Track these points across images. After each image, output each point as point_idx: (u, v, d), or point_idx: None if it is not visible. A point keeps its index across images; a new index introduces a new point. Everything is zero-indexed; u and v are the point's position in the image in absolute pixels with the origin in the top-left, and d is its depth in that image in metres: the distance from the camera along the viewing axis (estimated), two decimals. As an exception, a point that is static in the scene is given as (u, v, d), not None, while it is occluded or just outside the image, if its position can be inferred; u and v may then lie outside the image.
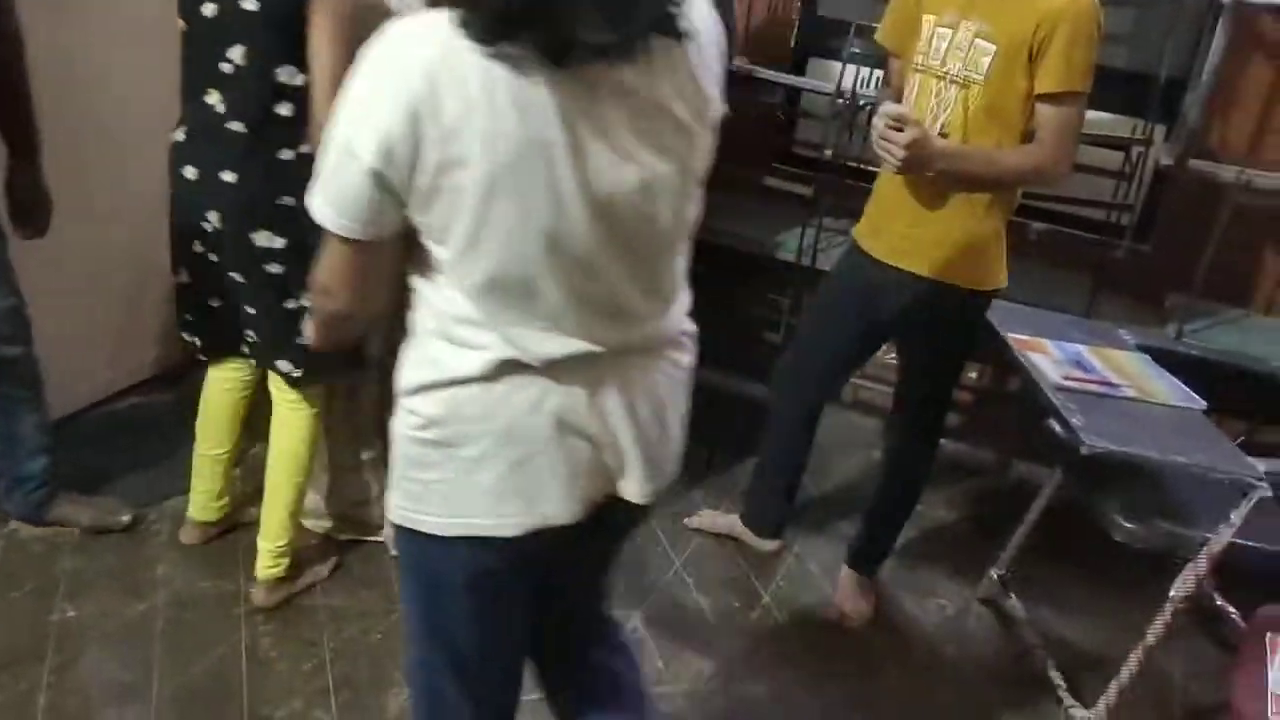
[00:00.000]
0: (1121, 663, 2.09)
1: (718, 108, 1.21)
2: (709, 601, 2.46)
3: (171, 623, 2.16)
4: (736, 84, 2.98)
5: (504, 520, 1.22)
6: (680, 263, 1.30)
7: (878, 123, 1.94)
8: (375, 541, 2.45)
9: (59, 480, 2.33)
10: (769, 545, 2.63)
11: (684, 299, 1.36)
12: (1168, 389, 2.03)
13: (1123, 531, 2.02)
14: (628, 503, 1.31)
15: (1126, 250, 2.74)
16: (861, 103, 2.82)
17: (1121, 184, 2.71)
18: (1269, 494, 1.83)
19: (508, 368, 1.17)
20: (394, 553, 2.43)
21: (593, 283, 1.16)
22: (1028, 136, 1.98)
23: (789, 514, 2.61)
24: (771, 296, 3.29)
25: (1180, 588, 1.97)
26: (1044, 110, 1.93)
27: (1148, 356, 2.19)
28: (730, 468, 2.95)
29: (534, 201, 1.08)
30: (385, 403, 2.29)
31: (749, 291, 3.34)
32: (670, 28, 1.10)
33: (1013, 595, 2.54)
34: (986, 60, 1.93)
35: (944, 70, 1.99)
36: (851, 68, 2.77)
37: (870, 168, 2.82)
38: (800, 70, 3.15)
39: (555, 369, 1.18)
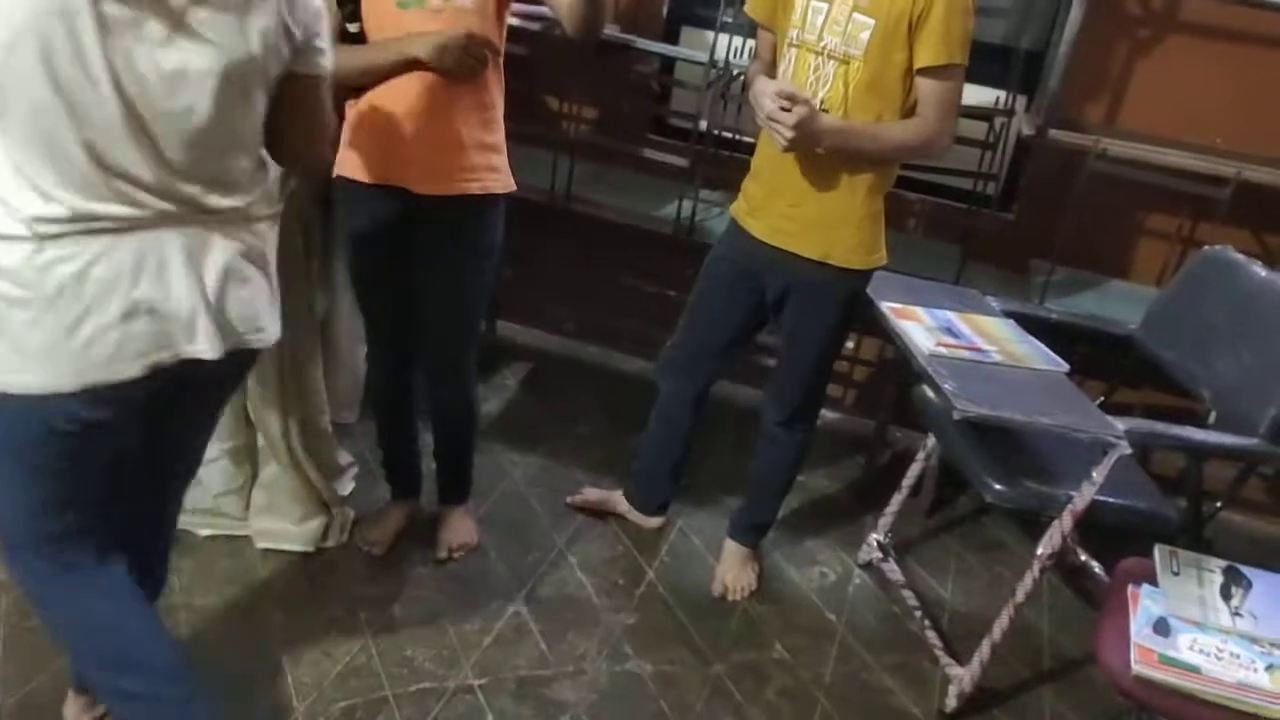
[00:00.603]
0: (994, 620, 2.14)
1: (308, 18, 1.39)
2: (593, 581, 2.43)
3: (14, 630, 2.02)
4: (610, 53, 2.97)
5: (59, 380, 1.32)
6: (243, 162, 1.43)
7: (765, 101, 1.92)
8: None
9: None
10: (653, 522, 2.61)
11: (260, 186, 1.48)
12: (1033, 353, 2.08)
13: (993, 493, 2.06)
14: (211, 361, 1.43)
15: (991, 218, 2.81)
16: (735, 73, 2.80)
17: (986, 154, 2.77)
18: (1128, 452, 1.89)
19: (53, 229, 1.27)
20: (261, 546, 2.33)
21: (126, 154, 1.28)
22: (907, 110, 1.98)
23: (673, 489, 2.59)
24: (649, 269, 3.26)
25: (1046, 545, 2.02)
26: (925, 84, 1.94)
27: (1013, 322, 2.24)
28: (611, 443, 2.92)
29: (56, 69, 1.20)
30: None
31: (627, 264, 3.31)
32: None
33: (891, 559, 2.59)
34: (865, 35, 1.92)
35: (821, 45, 1.97)
36: (725, 37, 2.75)
37: (744, 138, 2.83)
38: (674, 39, 3.12)
39: (102, 233, 1.30)
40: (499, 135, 2.07)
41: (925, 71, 1.93)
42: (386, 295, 2.17)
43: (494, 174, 2.06)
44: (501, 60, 2.04)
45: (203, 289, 1.40)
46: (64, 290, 1.29)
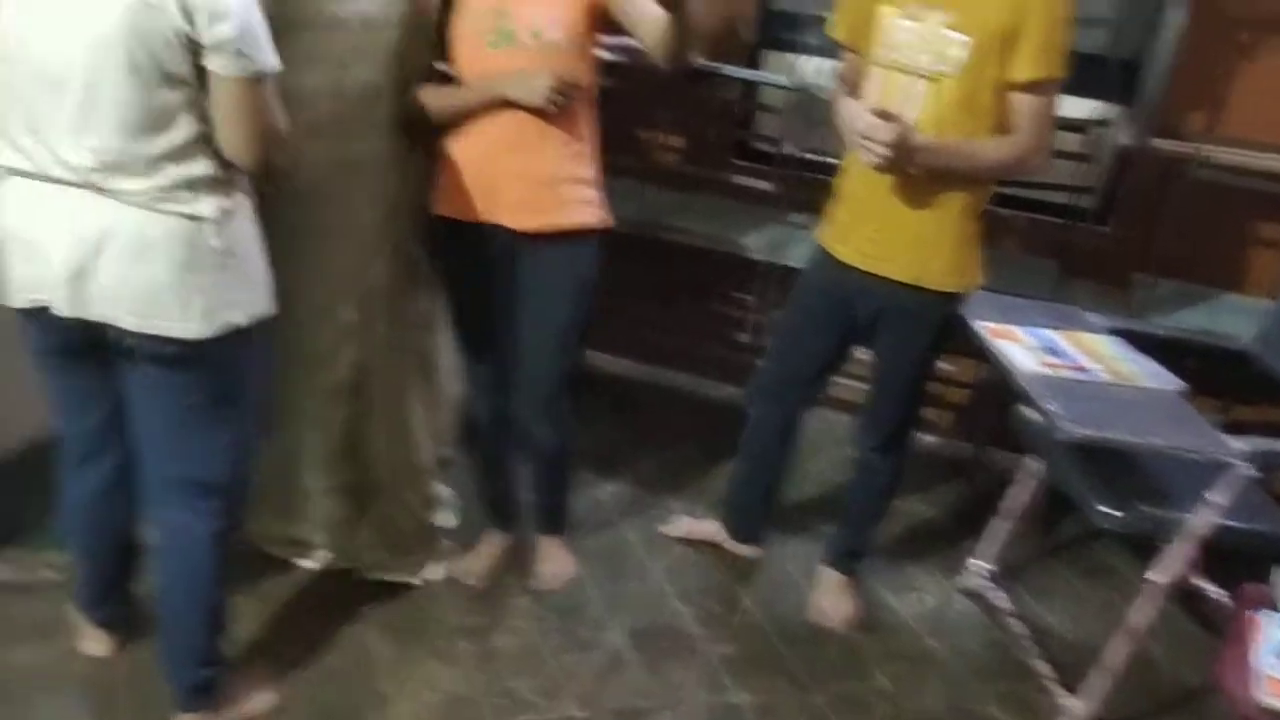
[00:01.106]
0: (1107, 649, 2.07)
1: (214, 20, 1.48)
2: (690, 610, 2.41)
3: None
4: (694, 80, 2.98)
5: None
6: (150, 144, 1.54)
7: (856, 122, 1.90)
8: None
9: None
10: (748, 550, 2.59)
11: (165, 164, 1.56)
12: (1142, 371, 2.01)
13: (1103, 517, 2.00)
14: (114, 330, 1.62)
15: (1089, 233, 2.73)
16: (819, 95, 2.79)
17: (1082, 166, 2.70)
18: (1248, 473, 1.81)
19: None
20: (364, 577, 2.36)
21: (30, 116, 1.53)
22: (1001, 125, 1.94)
23: (768, 517, 2.57)
24: (737, 295, 3.25)
25: (1162, 570, 1.95)
26: (1022, 99, 1.90)
27: (1119, 339, 2.17)
28: (704, 470, 2.91)
29: None
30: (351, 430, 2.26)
31: (715, 290, 3.30)
32: None
33: (995, 585, 2.52)
34: (957, 52, 1.88)
35: (910, 64, 1.94)
36: (808, 60, 2.74)
37: (830, 160, 2.81)
38: (756, 64, 3.12)
39: (14, 180, 1.59)
40: (592, 169, 2.09)
41: (1022, 86, 1.89)
42: (484, 330, 2.20)
43: (588, 207, 2.08)
44: (592, 94, 2.06)
45: (66, 250, 1.58)
46: None
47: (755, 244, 2.89)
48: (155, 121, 1.53)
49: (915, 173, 1.94)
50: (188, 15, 1.47)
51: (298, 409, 2.22)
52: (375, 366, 2.21)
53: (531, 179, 2.01)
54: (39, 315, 1.64)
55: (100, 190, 1.55)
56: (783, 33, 3.04)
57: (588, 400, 3.24)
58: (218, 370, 1.72)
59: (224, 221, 1.62)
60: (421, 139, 2.08)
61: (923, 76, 1.94)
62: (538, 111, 1.94)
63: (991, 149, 1.94)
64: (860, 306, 2.13)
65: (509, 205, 2.02)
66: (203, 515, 1.80)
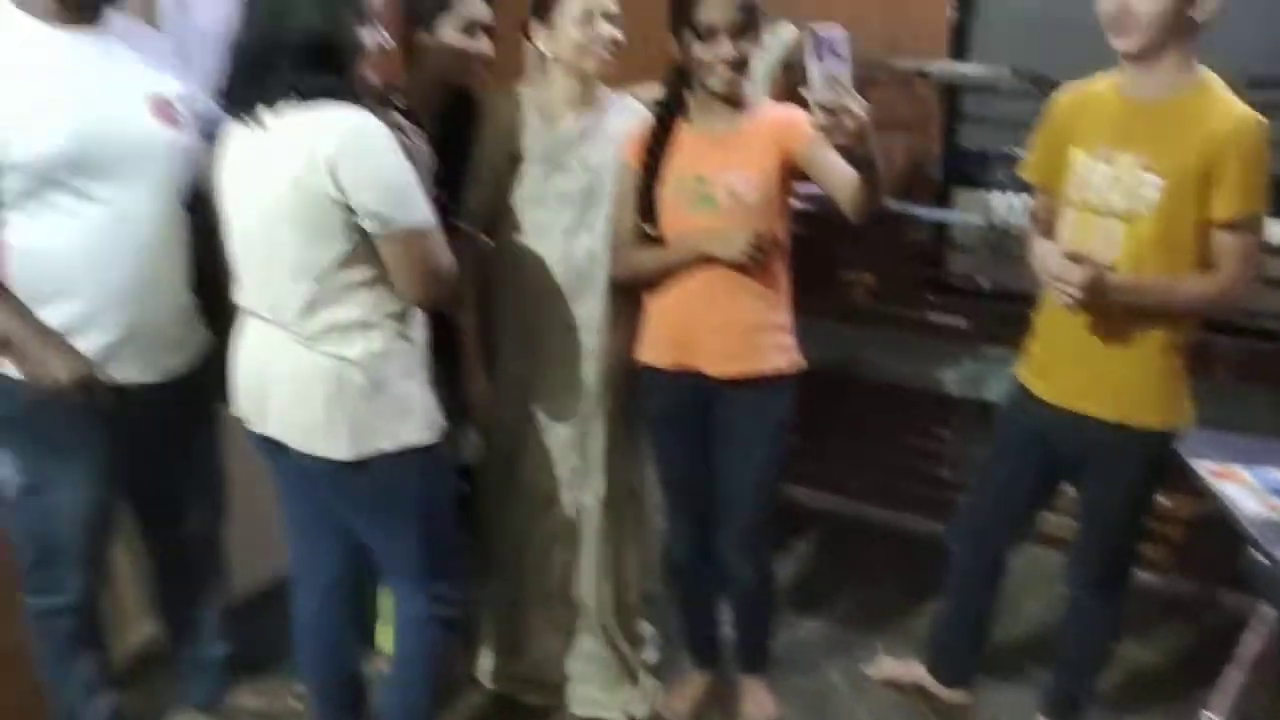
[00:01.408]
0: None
1: (366, 192, 1.69)
2: (897, 756, 2.36)
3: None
4: (884, 220, 3.05)
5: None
6: (299, 290, 1.74)
7: (1050, 263, 1.92)
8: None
9: (235, 665, 2.35)
10: (956, 695, 2.51)
11: (323, 320, 1.77)
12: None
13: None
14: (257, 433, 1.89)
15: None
16: (1011, 231, 2.80)
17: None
18: None
19: None
20: (575, 712, 2.44)
21: (239, 264, 1.81)
22: (1202, 261, 1.91)
23: (976, 661, 2.49)
24: (936, 430, 3.23)
25: None
26: (1223, 237, 1.88)
27: (1355, 477, 2.03)
28: (907, 609, 2.86)
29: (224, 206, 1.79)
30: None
31: (913, 426, 3.29)
32: None
33: (1234, 742, 2.33)
34: (1151, 193, 1.88)
35: (1104, 204, 1.95)
36: (1001, 195, 2.77)
37: (1027, 293, 2.79)
38: (946, 202, 3.17)
39: (241, 316, 1.87)
40: (785, 315, 2.18)
41: (1222, 224, 1.87)
42: (685, 470, 2.30)
43: (782, 353, 2.17)
44: (785, 244, 2.17)
45: (255, 377, 1.84)
46: None
47: (952, 379, 2.89)
48: (316, 273, 1.73)
49: (1101, 312, 1.93)
50: (339, 186, 1.65)
51: (522, 550, 2.39)
52: (593, 508, 2.35)
53: (729, 329, 2.12)
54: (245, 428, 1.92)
55: (280, 329, 1.79)
56: (973, 170, 3.08)
57: (789, 537, 3.27)
58: (381, 488, 1.87)
59: (371, 362, 1.78)
60: (629, 295, 2.25)
61: (1117, 217, 1.94)
62: (736, 265, 2.06)
63: (1192, 286, 1.91)
64: (1063, 444, 2.10)
65: (708, 354, 2.14)
66: (414, 602, 2.00)
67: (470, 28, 2.16)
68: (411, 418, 1.85)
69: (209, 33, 2.26)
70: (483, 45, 2.18)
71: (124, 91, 1.79)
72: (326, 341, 1.78)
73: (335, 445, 1.80)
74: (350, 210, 1.68)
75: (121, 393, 1.85)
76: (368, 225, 1.70)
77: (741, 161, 2.07)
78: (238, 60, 1.73)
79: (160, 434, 1.98)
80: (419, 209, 1.73)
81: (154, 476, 2.05)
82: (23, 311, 1.77)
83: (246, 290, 1.83)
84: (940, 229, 3.20)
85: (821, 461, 3.45)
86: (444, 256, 1.79)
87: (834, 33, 1.71)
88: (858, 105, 1.69)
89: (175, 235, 1.88)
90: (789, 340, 2.19)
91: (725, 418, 2.20)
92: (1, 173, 1.69)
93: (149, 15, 2.22)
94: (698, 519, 2.34)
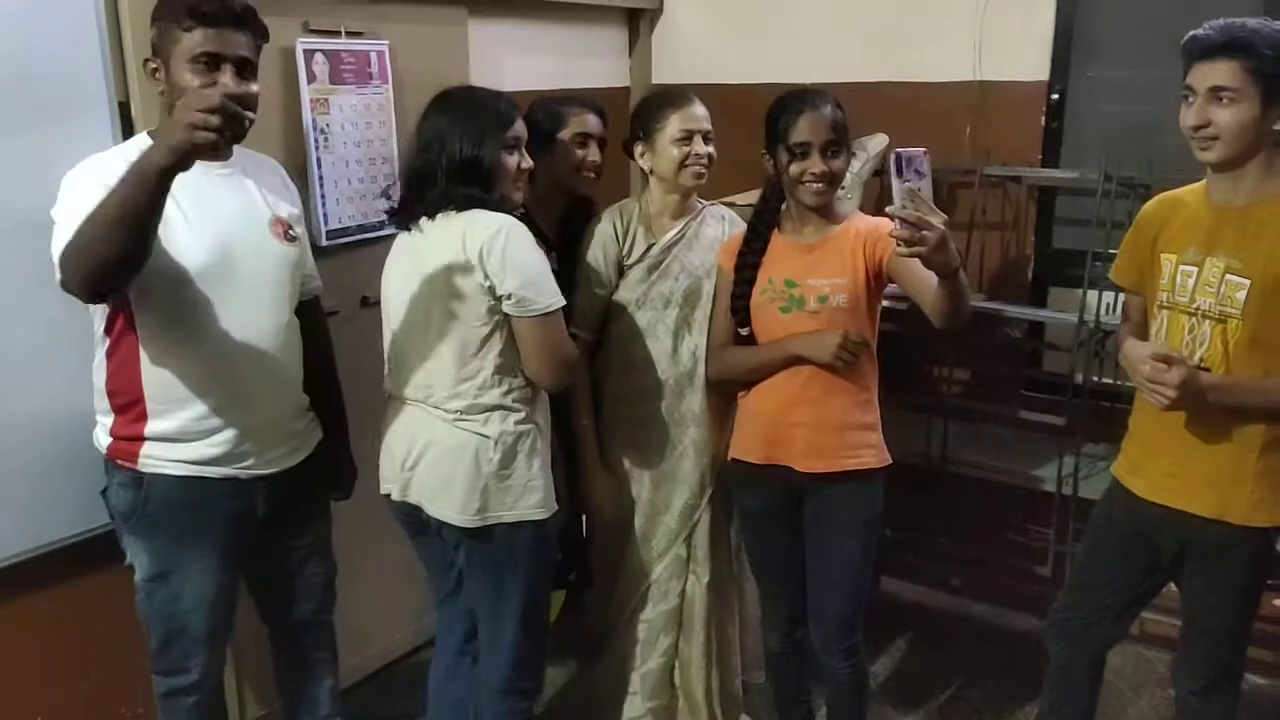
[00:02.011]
0: None
1: (512, 278, 1.95)
2: None
3: None
4: (978, 320, 3.11)
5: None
6: (447, 372, 2.01)
7: (1141, 366, 1.95)
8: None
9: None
10: (1058, 796, 2.47)
11: (466, 389, 2.02)
12: None
13: None
14: (401, 503, 2.14)
15: None
16: (1106, 329, 2.83)
17: None
18: None
19: None
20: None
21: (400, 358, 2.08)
22: None
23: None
24: (1033, 527, 3.22)
25: None
26: None
27: None
28: (1006, 707, 2.83)
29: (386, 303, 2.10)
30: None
31: (1012, 524, 3.28)
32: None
33: None
34: (1241, 295, 1.93)
35: (1194, 306, 1.99)
36: (1094, 294, 2.81)
37: (1124, 386, 2.81)
38: (1041, 300, 3.22)
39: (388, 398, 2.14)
40: (874, 415, 2.26)
41: None
42: (778, 564, 2.37)
43: (870, 450, 2.24)
44: (874, 345, 2.26)
45: (403, 451, 2.06)
46: None
47: (1049, 476, 2.90)
48: (461, 356, 1.99)
49: (1195, 410, 1.95)
50: (486, 273, 1.92)
51: (629, 636, 2.49)
52: (700, 597, 2.44)
53: (818, 427, 2.21)
54: (390, 502, 2.15)
55: (429, 407, 2.03)
56: (1066, 269, 3.14)
57: (886, 631, 3.27)
58: (497, 555, 2.08)
59: (504, 441, 2.01)
60: (730, 392, 2.37)
61: (1208, 318, 1.98)
62: (826, 367, 2.16)
63: None
64: (1162, 541, 2.10)
65: (797, 451, 2.23)
66: (496, 673, 2.17)
67: (583, 140, 2.37)
68: (533, 495, 2.06)
69: (348, 158, 2.53)
70: (592, 154, 2.38)
71: (250, 215, 1.97)
72: (468, 419, 2.02)
73: (466, 513, 2.03)
74: (495, 295, 1.94)
75: (245, 485, 2.00)
76: (509, 308, 1.96)
77: (830, 268, 2.18)
78: (406, 180, 2.08)
79: (278, 523, 2.11)
80: (554, 295, 1.99)
81: (272, 563, 2.17)
82: None
83: (398, 376, 2.09)
84: (1036, 327, 3.25)
85: (921, 556, 3.46)
86: (568, 342, 2.05)
87: (914, 151, 1.84)
88: (936, 218, 1.79)
89: (291, 340, 2.04)
90: (877, 438, 2.26)
91: (815, 512, 2.27)
92: (142, 284, 1.82)
93: (296, 144, 2.48)
94: (791, 612, 2.39)
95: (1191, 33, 1.94)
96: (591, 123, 2.40)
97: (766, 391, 2.27)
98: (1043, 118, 3.11)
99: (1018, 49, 3.10)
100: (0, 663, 2.23)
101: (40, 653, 2.29)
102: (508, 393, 2.03)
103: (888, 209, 1.85)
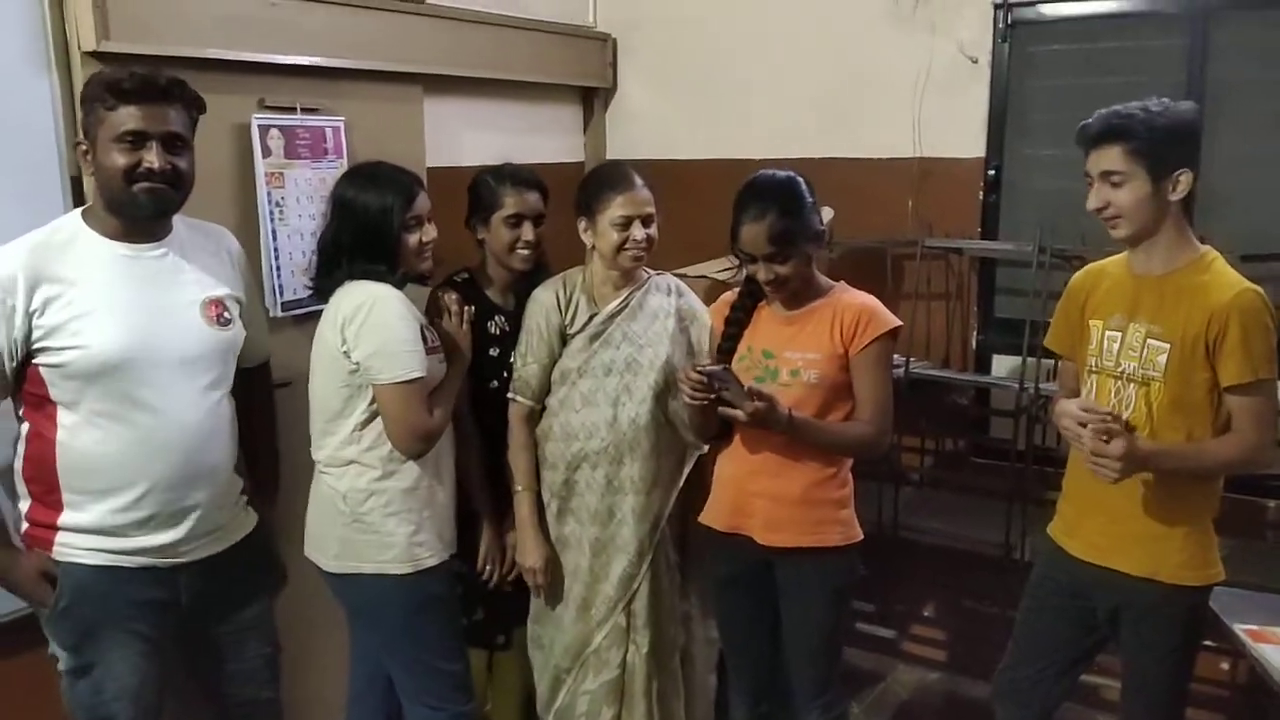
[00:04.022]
0: None
1: (361, 350, 2.11)
2: None
3: None
4: (925, 387, 3.18)
5: None
6: (316, 426, 2.23)
7: (1069, 423, 2.00)
8: None
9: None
10: None
11: (328, 443, 2.20)
12: None
13: None
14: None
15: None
16: (1046, 395, 2.90)
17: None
18: None
19: None
20: None
21: None
22: (1222, 423, 2.01)
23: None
24: (984, 593, 3.25)
25: None
26: (1235, 400, 1.97)
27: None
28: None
29: None
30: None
31: (963, 589, 3.32)
32: None
33: None
34: (1162, 359, 2.00)
35: (1120, 370, 2.07)
36: (1032, 362, 2.89)
37: (1056, 451, 2.87)
38: (986, 368, 3.29)
39: None
40: (842, 491, 2.28)
41: (1232, 389, 1.96)
42: (744, 633, 2.39)
43: (836, 527, 2.26)
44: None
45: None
46: None
47: (994, 540, 2.94)
48: (326, 412, 2.17)
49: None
50: (344, 339, 2.09)
51: (572, 709, 2.46)
52: (639, 667, 2.43)
53: (778, 500, 2.24)
54: None
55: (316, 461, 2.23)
56: (1008, 337, 3.22)
57: (845, 699, 3.26)
58: (364, 605, 2.25)
59: (354, 496, 2.15)
60: (676, 459, 2.41)
61: (1132, 381, 2.05)
62: (791, 438, 2.18)
63: (1215, 448, 1.99)
64: (1097, 601, 2.14)
65: (759, 523, 2.26)
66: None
67: (516, 221, 2.43)
68: (390, 550, 2.17)
69: (302, 230, 2.58)
70: (525, 234, 2.43)
71: (179, 300, 1.95)
72: (328, 470, 2.20)
73: (328, 557, 2.21)
74: (353, 361, 2.09)
75: (165, 574, 1.96)
76: (362, 375, 2.10)
77: (807, 342, 2.23)
78: (319, 252, 2.22)
79: (205, 611, 2.05)
80: (405, 367, 2.09)
81: (204, 648, 2.12)
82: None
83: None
84: (982, 394, 3.32)
85: (875, 623, 3.47)
86: (418, 414, 2.12)
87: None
88: (748, 404, 2.07)
89: (219, 426, 2.01)
90: (846, 514, 2.28)
91: (785, 583, 2.29)
92: (60, 373, 1.84)
93: (250, 217, 2.52)
94: (757, 683, 2.40)
95: (1081, 123, 2.06)
96: (528, 202, 2.44)
97: (732, 457, 2.30)
98: (980, 192, 3.23)
99: (955, 127, 3.23)
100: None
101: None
102: (367, 450, 2.15)
103: (697, 366, 2.12)
